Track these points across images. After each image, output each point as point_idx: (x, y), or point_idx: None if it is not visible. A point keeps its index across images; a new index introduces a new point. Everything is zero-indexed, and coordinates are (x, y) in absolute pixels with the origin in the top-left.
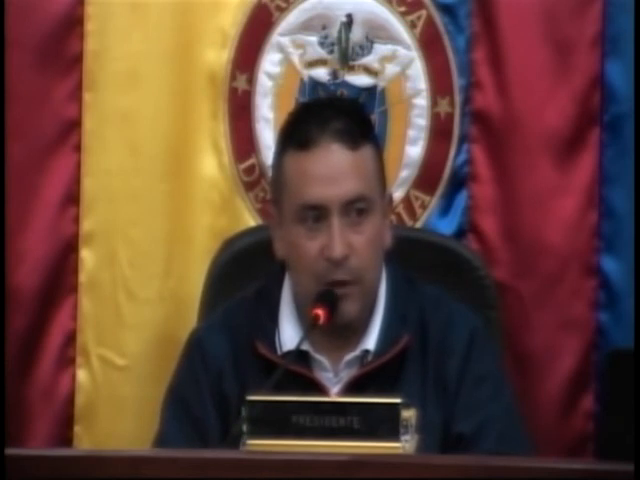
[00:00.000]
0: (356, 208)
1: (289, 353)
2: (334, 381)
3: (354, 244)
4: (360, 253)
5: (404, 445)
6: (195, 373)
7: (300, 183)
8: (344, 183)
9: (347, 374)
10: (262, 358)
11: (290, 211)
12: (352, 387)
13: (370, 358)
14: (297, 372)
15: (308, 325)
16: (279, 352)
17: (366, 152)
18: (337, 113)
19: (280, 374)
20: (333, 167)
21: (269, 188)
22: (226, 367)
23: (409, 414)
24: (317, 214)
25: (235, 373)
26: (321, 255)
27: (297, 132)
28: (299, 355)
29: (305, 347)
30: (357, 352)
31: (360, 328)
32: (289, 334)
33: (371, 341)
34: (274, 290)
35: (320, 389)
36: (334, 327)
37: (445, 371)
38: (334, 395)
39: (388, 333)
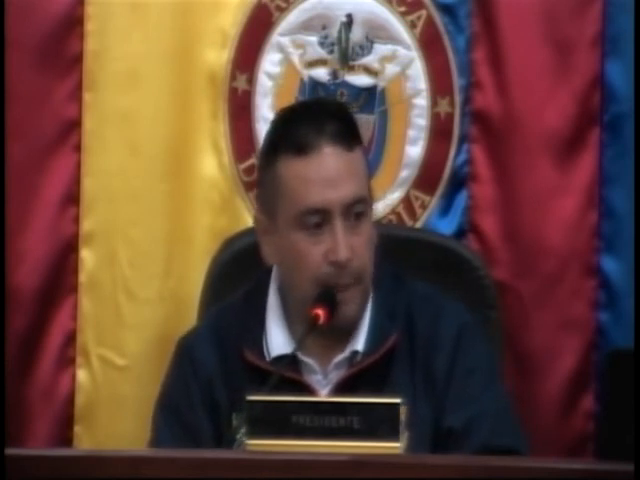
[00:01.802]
0: (355, 211)
1: (279, 358)
2: (323, 383)
3: (355, 246)
4: (360, 254)
5: None
6: (185, 380)
7: (300, 189)
8: (344, 186)
9: (336, 375)
10: (251, 365)
11: (288, 217)
12: (341, 388)
13: (359, 358)
14: (286, 376)
15: (308, 326)
16: (268, 358)
17: (358, 154)
18: (330, 116)
19: (275, 381)
20: (332, 171)
21: (257, 194)
22: (215, 374)
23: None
24: (319, 218)
25: (224, 380)
26: (325, 259)
27: (292, 137)
28: (287, 359)
29: (293, 351)
30: (346, 353)
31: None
32: (277, 339)
33: (360, 342)
34: (260, 296)
35: (309, 392)
36: (331, 328)
37: (434, 366)
38: (324, 397)
39: (377, 332)
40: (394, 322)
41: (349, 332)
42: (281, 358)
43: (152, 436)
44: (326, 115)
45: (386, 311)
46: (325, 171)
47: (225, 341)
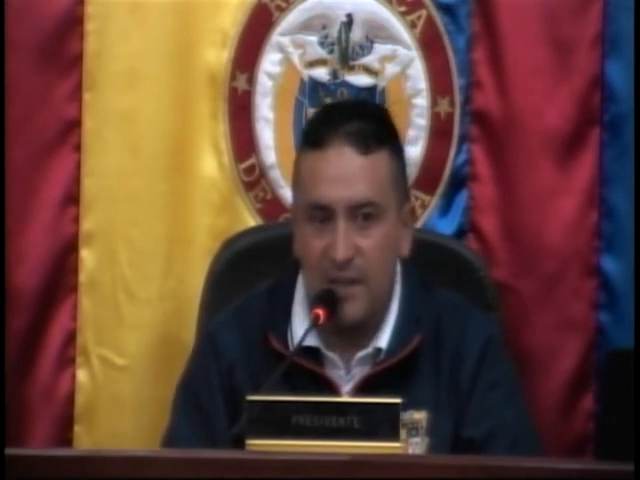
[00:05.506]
0: (363, 212)
1: (303, 350)
2: (346, 379)
3: (361, 247)
4: (367, 255)
5: (414, 447)
6: (206, 365)
7: (310, 182)
8: (351, 186)
9: (359, 372)
10: (274, 352)
11: (302, 209)
12: (364, 386)
13: (382, 356)
14: (309, 369)
15: (310, 325)
16: (291, 348)
17: (380, 158)
18: (353, 116)
19: (286, 365)
20: (342, 169)
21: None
22: (237, 361)
23: (420, 417)
24: (324, 214)
25: (247, 367)
26: (325, 255)
27: (312, 132)
28: (311, 352)
29: (316, 344)
30: (369, 349)
31: (371, 327)
32: (301, 331)
33: (384, 339)
34: (288, 287)
35: (331, 387)
36: (341, 327)
37: (458, 377)
38: (345, 393)
39: (401, 332)
40: (419, 325)
41: (368, 330)
42: (304, 350)
43: (170, 420)
44: (349, 114)
45: (412, 314)
46: (334, 169)
47: (250, 328)
